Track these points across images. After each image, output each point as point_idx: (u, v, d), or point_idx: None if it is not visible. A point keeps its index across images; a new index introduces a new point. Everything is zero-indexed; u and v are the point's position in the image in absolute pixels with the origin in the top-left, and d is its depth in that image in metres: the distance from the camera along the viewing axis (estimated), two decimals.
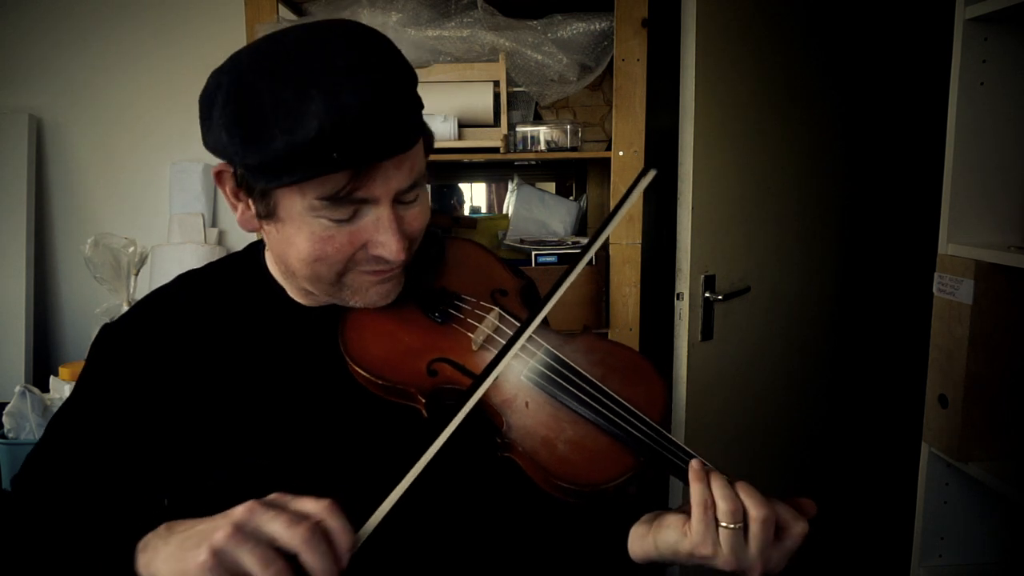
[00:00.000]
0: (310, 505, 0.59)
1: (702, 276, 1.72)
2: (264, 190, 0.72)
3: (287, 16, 1.76)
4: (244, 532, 0.57)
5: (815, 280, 2.20)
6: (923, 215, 1.83)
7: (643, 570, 0.79)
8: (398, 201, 0.75)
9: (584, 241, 1.84)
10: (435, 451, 0.66)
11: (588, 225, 2.14)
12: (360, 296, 0.80)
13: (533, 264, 1.74)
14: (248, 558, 0.56)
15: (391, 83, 0.69)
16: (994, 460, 1.22)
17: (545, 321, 0.84)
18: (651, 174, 0.75)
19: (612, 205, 1.68)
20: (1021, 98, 1.22)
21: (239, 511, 0.58)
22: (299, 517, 0.58)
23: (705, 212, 1.70)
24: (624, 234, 1.68)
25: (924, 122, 2.21)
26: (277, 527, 0.57)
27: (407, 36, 1.67)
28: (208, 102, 0.72)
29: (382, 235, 0.74)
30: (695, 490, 0.67)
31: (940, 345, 1.26)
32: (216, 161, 0.77)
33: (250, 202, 0.76)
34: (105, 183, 2.10)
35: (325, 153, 0.66)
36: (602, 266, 1.74)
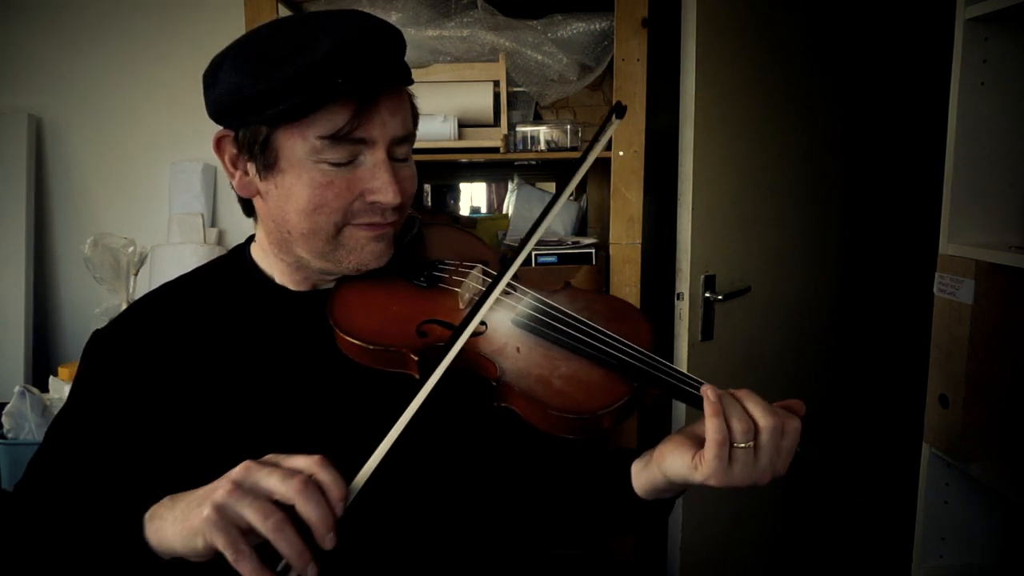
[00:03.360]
0: (302, 461, 0.63)
1: (702, 276, 1.72)
2: (265, 140, 0.76)
3: (287, 16, 1.76)
4: (243, 488, 0.61)
5: (815, 280, 2.20)
6: (923, 215, 1.83)
7: (649, 508, 0.80)
8: (392, 157, 0.80)
9: (585, 241, 1.84)
10: (425, 396, 0.68)
11: (588, 225, 2.14)
12: (355, 255, 0.82)
13: (533, 264, 1.74)
14: (248, 511, 0.60)
15: (387, 25, 0.79)
16: (994, 460, 1.22)
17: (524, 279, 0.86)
18: (615, 124, 0.79)
19: (612, 206, 1.68)
20: (1021, 98, 1.22)
21: (236, 470, 0.62)
22: (293, 472, 0.61)
23: (705, 212, 1.70)
24: (624, 234, 1.68)
25: (924, 122, 2.21)
26: (273, 482, 0.61)
27: (407, 36, 1.65)
28: (214, 69, 0.77)
29: (379, 180, 0.78)
30: (712, 426, 0.68)
31: (940, 345, 1.26)
32: (209, 151, 0.80)
33: (249, 166, 0.79)
34: (105, 183, 2.09)
35: (332, 78, 0.72)
36: (602, 266, 1.73)
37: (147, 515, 0.67)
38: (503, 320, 0.79)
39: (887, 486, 2.43)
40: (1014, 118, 1.23)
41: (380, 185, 0.78)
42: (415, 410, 0.67)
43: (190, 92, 2.05)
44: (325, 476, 0.62)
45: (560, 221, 2.05)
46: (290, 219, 0.79)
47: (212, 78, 0.77)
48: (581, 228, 2.12)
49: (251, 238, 0.92)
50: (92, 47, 2.04)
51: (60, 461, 0.80)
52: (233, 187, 0.82)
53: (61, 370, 1.66)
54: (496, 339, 0.77)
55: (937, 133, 1.32)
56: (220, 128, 0.80)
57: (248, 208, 0.86)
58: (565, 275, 1.72)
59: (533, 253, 1.75)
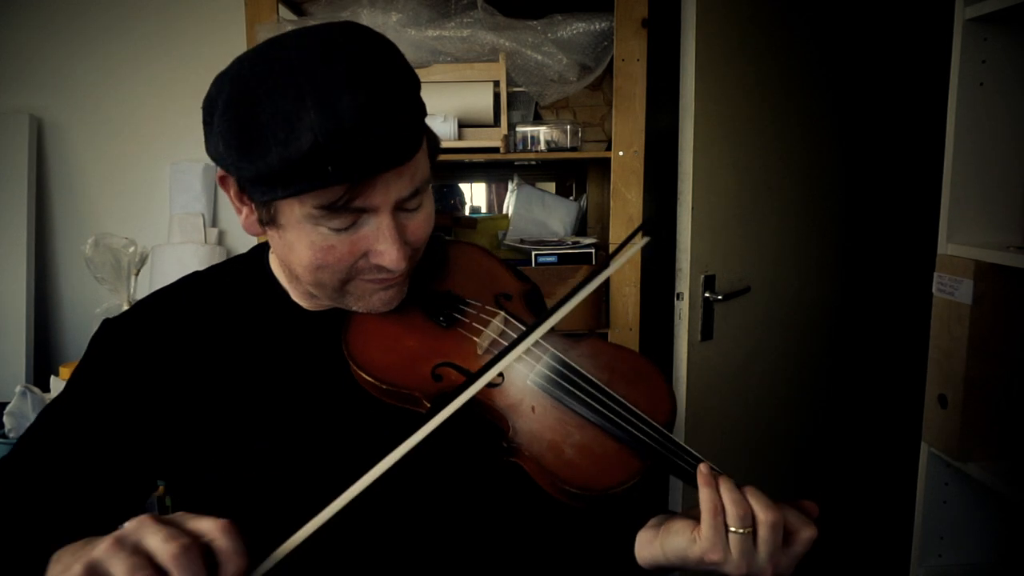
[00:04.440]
0: (205, 524, 0.56)
1: (702, 276, 1.72)
2: (264, 200, 0.72)
3: (287, 16, 1.76)
4: (122, 543, 0.55)
5: (815, 280, 2.21)
6: (923, 215, 1.83)
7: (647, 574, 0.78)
8: (400, 209, 0.74)
9: (585, 241, 1.84)
10: (392, 461, 0.64)
11: (588, 225, 2.14)
12: (363, 302, 0.80)
13: (533, 264, 1.74)
14: (117, 566, 0.54)
15: (390, 93, 0.68)
16: (994, 460, 1.22)
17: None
18: (641, 242, 0.75)
19: (612, 206, 1.68)
20: (1021, 98, 1.22)
21: (129, 523, 0.57)
22: (180, 534, 0.55)
23: (705, 212, 1.70)
24: (624, 234, 1.68)
25: (924, 122, 2.21)
26: (155, 541, 0.55)
27: (407, 36, 1.67)
28: (210, 108, 0.71)
29: (382, 244, 0.73)
30: (704, 496, 0.67)
31: (940, 345, 1.26)
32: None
33: (253, 207, 0.76)
34: (105, 183, 2.10)
35: (320, 167, 0.65)
36: (603, 266, 1.73)
37: (55, 556, 0.61)
38: (521, 375, 0.77)
39: (886, 486, 2.43)
40: (1013, 118, 1.23)
41: (384, 249, 0.73)
42: (378, 474, 0.64)
43: (190, 92, 2.06)
44: (224, 544, 0.55)
45: (560, 221, 2.05)
46: (295, 269, 0.77)
47: (209, 116, 0.72)
48: (581, 228, 2.12)
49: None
50: (92, 47, 2.05)
51: (47, 445, 0.79)
52: (241, 223, 0.79)
53: (62, 370, 1.67)
54: (512, 394, 0.75)
55: (937, 133, 1.32)
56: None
57: None
58: (565, 275, 1.72)
59: (533, 253, 1.76)
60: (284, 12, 1.74)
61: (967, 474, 1.25)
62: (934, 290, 1.27)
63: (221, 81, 0.71)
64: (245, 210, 0.77)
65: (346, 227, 0.72)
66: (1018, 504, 1.13)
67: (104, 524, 0.78)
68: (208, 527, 0.56)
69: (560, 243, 1.87)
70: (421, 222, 0.78)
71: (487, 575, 0.83)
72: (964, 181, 1.24)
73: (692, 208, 1.66)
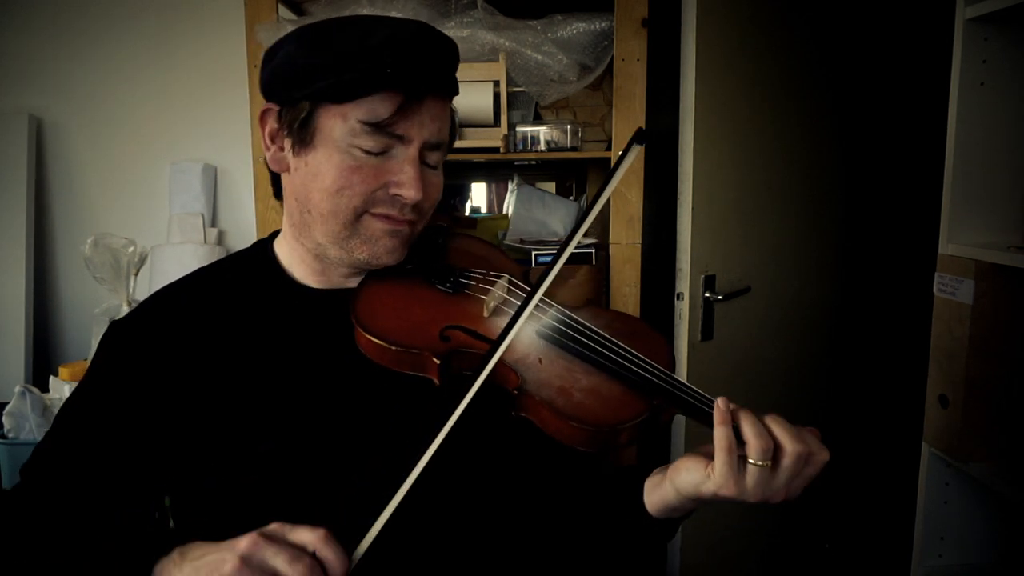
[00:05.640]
0: (307, 536, 0.62)
1: (702, 276, 1.72)
2: (306, 118, 0.79)
3: (287, 16, 1.76)
4: (251, 565, 0.60)
5: (815, 280, 2.20)
6: (923, 215, 1.83)
7: (659, 527, 0.79)
8: (423, 161, 0.82)
9: (585, 241, 1.84)
10: (441, 438, 0.68)
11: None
12: (368, 247, 0.82)
13: (533, 264, 1.74)
14: None
15: (446, 37, 0.83)
16: (994, 460, 1.22)
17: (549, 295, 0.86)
18: (635, 151, 0.77)
19: (612, 206, 1.68)
20: (1021, 98, 1.22)
21: (244, 543, 0.61)
22: (299, 552, 0.61)
23: (705, 212, 1.70)
24: (624, 234, 1.68)
25: (924, 122, 2.21)
26: (280, 562, 0.60)
27: None
28: (277, 45, 0.82)
29: (405, 174, 0.80)
30: (719, 434, 0.68)
31: (940, 345, 1.26)
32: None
33: (285, 142, 0.82)
34: (105, 183, 2.09)
35: (381, 65, 0.75)
36: (602, 266, 1.73)
37: (156, 568, 0.66)
38: (527, 331, 0.80)
39: (887, 486, 2.43)
40: (1014, 118, 1.23)
41: (405, 180, 0.80)
42: (429, 457, 0.68)
43: (190, 92, 2.06)
44: (329, 554, 0.62)
45: (560, 221, 2.05)
46: (313, 197, 0.81)
47: (272, 52, 0.82)
48: None
49: (275, 233, 0.93)
50: (92, 47, 2.04)
51: (68, 451, 0.80)
52: (266, 161, 0.86)
53: (61, 370, 1.66)
54: (519, 349, 0.78)
55: (937, 133, 1.32)
56: (268, 103, 0.84)
57: (278, 190, 0.89)
58: (565, 275, 1.72)
59: (533, 253, 1.76)
60: (284, 12, 1.74)
61: (968, 474, 1.25)
62: (935, 290, 1.27)
63: (292, 31, 0.82)
64: (274, 147, 0.84)
65: (377, 152, 0.79)
66: (1018, 504, 1.13)
67: (135, 549, 0.79)
68: (311, 538, 0.62)
69: (560, 243, 1.87)
70: (434, 182, 0.85)
71: (496, 539, 0.84)
72: (964, 181, 1.24)
73: (692, 208, 1.65)
